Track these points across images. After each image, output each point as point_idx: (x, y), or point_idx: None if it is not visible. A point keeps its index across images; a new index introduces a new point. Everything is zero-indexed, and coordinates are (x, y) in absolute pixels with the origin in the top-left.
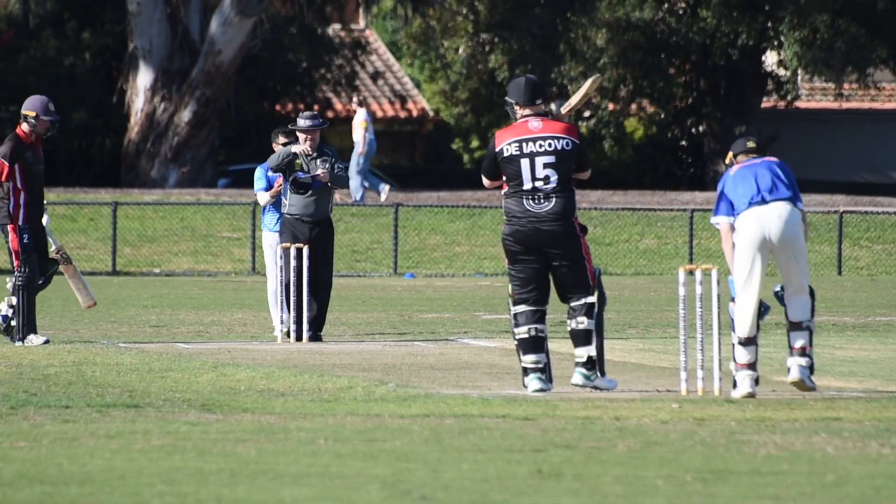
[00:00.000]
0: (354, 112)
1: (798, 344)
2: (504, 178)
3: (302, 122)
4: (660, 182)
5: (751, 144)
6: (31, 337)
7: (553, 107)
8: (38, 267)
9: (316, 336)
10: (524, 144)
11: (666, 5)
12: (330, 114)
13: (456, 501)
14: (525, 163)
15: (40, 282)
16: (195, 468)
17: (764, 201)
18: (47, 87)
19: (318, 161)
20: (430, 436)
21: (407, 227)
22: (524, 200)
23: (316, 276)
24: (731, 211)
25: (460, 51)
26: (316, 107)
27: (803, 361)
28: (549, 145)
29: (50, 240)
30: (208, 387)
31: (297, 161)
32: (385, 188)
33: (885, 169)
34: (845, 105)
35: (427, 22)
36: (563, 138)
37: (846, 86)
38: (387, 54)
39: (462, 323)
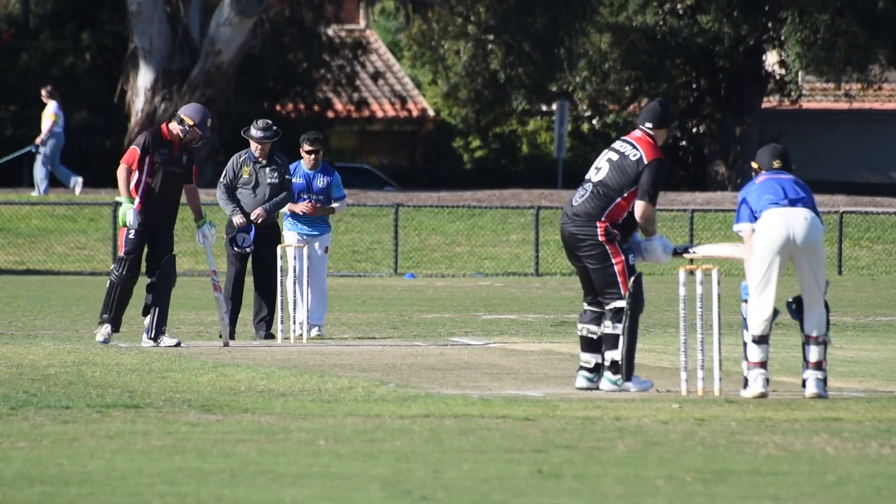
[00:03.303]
0: (355, 112)
1: (814, 358)
2: None
3: (255, 132)
4: None
5: (777, 164)
6: (103, 328)
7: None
8: (137, 270)
9: (269, 335)
10: (616, 142)
11: (667, 6)
12: (330, 114)
13: (456, 502)
14: (602, 154)
15: (154, 279)
16: (195, 468)
17: (791, 204)
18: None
19: (268, 169)
20: (430, 436)
21: (407, 228)
22: (574, 194)
23: (262, 278)
24: (753, 218)
25: (461, 52)
26: (316, 107)
27: (820, 375)
28: (622, 147)
29: (209, 259)
30: (208, 387)
31: (247, 168)
32: (78, 181)
33: (885, 169)
34: (846, 105)
35: (428, 23)
36: (638, 150)
37: (847, 86)
38: (387, 54)
39: (462, 323)
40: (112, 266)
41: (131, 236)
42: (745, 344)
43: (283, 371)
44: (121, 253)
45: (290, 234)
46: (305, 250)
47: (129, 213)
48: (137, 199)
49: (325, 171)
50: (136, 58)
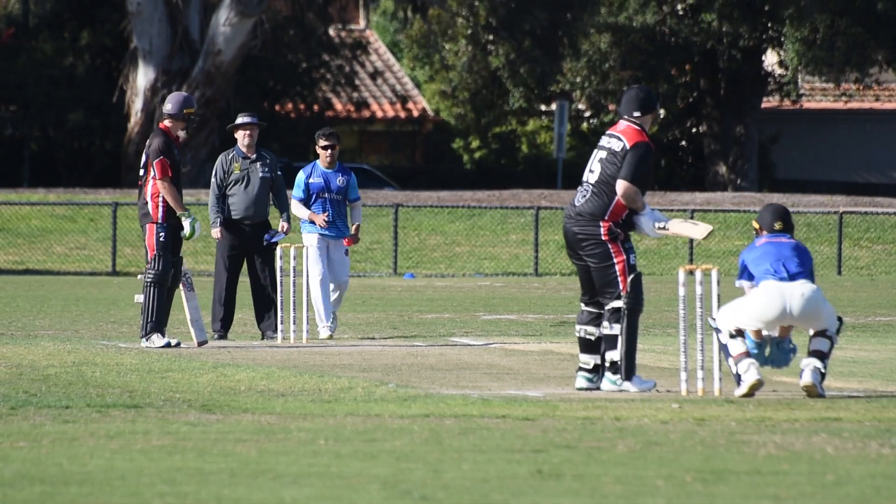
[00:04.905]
0: (354, 112)
1: (816, 346)
2: None
3: (242, 118)
4: (660, 182)
5: (778, 227)
6: (154, 337)
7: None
8: (171, 266)
9: (271, 336)
10: (601, 139)
11: (665, 7)
12: (330, 113)
13: (456, 502)
14: (593, 154)
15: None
16: (195, 468)
17: (791, 278)
18: (47, 87)
19: (258, 164)
20: (430, 436)
21: (407, 228)
22: (576, 195)
23: (259, 278)
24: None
25: (460, 52)
26: (315, 107)
27: (818, 363)
28: (608, 143)
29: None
30: (208, 387)
31: (237, 165)
32: None
33: (885, 169)
34: (845, 105)
35: (427, 24)
36: (622, 140)
37: (846, 85)
38: (387, 54)
39: (462, 323)
40: (147, 271)
41: (161, 239)
42: (724, 346)
43: (283, 371)
44: (152, 253)
45: (311, 237)
46: (314, 250)
47: (197, 224)
48: (162, 207)
49: (342, 170)
50: (135, 58)
